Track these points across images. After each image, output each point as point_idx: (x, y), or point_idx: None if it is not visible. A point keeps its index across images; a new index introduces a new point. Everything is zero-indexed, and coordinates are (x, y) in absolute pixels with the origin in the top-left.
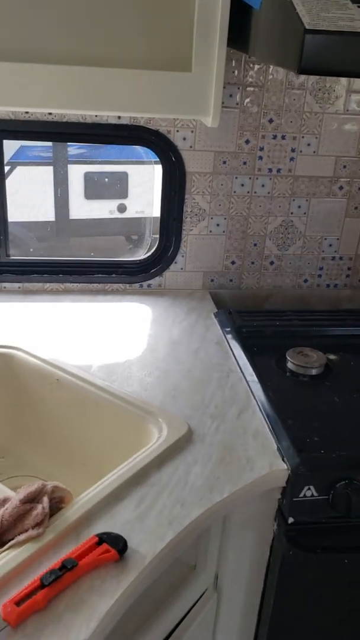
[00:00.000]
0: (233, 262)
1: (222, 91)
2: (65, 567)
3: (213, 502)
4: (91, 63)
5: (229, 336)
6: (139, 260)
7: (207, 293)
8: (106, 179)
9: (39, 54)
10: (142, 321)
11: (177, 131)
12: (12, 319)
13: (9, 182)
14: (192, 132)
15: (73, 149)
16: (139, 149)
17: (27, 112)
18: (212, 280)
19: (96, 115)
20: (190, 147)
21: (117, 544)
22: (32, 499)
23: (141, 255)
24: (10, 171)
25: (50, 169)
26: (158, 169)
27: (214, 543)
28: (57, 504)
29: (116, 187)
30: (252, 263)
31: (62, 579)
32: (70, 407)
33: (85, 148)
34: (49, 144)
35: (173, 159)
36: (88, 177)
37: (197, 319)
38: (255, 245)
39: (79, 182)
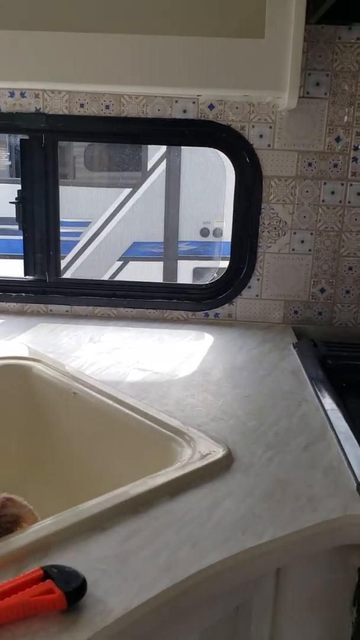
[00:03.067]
0: (322, 290)
1: (301, 61)
2: None
3: (243, 548)
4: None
5: (308, 366)
6: (205, 285)
7: (289, 328)
8: (215, 275)
9: (98, 22)
10: (200, 347)
11: (253, 127)
12: (49, 338)
13: (122, 276)
14: (270, 127)
15: (183, 245)
16: None
17: (82, 106)
18: (295, 312)
19: (159, 109)
20: (268, 145)
21: (67, 583)
22: None
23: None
24: (123, 266)
25: (160, 264)
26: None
27: (259, 628)
28: (9, 525)
29: None
30: (347, 292)
31: None
32: (86, 424)
33: (196, 245)
34: (161, 239)
35: (247, 160)
36: (197, 272)
37: (272, 349)
38: (350, 269)
39: (187, 277)
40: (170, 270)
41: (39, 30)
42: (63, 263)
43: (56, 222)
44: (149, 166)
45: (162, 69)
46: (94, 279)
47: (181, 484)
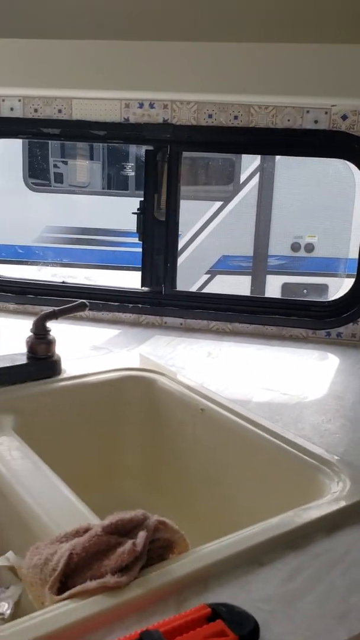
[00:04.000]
0: None
1: None
2: None
3: None
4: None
5: None
6: (327, 302)
7: None
8: (304, 290)
9: (226, 31)
10: (325, 368)
11: None
12: (167, 350)
13: (209, 289)
14: None
15: (273, 259)
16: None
17: (210, 117)
18: None
19: (289, 119)
20: None
21: (240, 627)
22: (122, 532)
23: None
24: (211, 279)
25: (248, 278)
26: None
27: None
28: (162, 550)
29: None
30: None
31: None
32: (215, 442)
33: (286, 260)
34: (250, 253)
35: None
36: (286, 288)
37: None
38: None
39: (276, 293)
40: (258, 284)
41: (170, 40)
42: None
43: (175, 235)
44: (242, 179)
45: (295, 77)
46: (210, 292)
47: (336, 520)
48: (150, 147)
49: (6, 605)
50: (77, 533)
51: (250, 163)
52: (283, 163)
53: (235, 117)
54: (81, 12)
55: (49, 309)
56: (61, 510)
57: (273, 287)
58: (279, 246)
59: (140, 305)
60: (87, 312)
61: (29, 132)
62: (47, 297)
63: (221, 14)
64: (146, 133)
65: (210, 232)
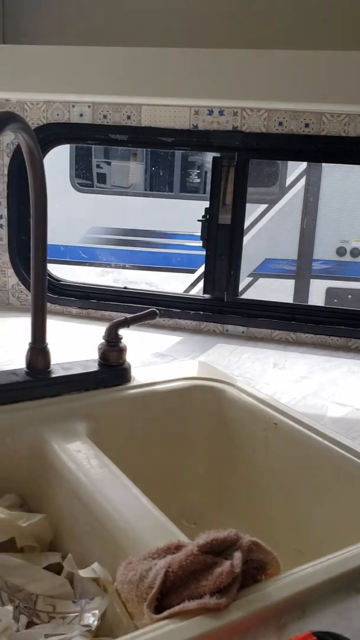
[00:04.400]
0: None
1: None
2: None
3: None
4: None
5: None
6: None
7: None
8: (349, 296)
9: (296, 39)
10: None
11: None
12: (231, 360)
13: (251, 293)
14: None
15: (317, 263)
16: None
17: (280, 124)
18: None
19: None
20: None
21: None
22: (216, 551)
23: None
24: (253, 281)
25: (291, 282)
26: None
27: None
28: (254, 572)
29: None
30: None
31: None
32: (289, 458)
33: (330, 264)
34: (294, 257)
35: None
36: (330, 292)
37: None
38: None
39: (319, 297)
40: (301, 288)
41: (241, 48)
42: (192, 277)
43: (240, 242)
44: (288, 181)
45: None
46: (273, 300)
47: None
48: (217, 154)
49: (92, 618)
50: (169, 550)
51: (297, 166)
52: (330, 166)
53: (307, 125)
54: (151, 20)
55: (114, 314)
56: (145, 523)
57: (317, 292)
58: (324, 250)
59: (201, 313)
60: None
61: (97, 138)
62: (109, 302)
63: (297, 22)
64: (214, 140)
65: (255, 235)
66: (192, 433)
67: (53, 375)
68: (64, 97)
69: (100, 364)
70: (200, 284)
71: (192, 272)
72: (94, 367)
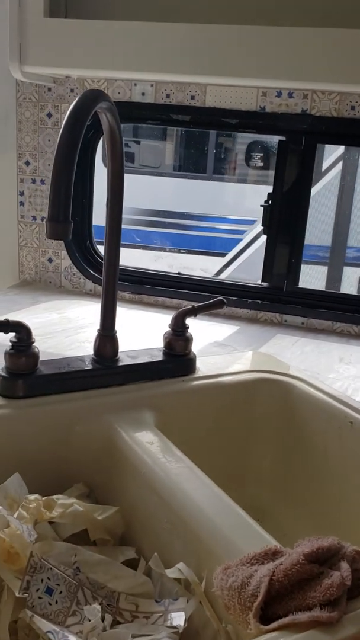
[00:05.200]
0: None
1: None
2: None
3: None
4: None
5: None
6: None
7: None
8: None
9: None
10: None
11: None
12: (294, 352)
13: None
14: None
15: (352, 251)
16: None
17: (352, 109)
18: None
19: None
20: None
21: None
22: (320, 560)
23: None
24: None
25: (324, 269)
26: None
27: None
28: (359, 582)
29: None
30: None
31: None
32: None
33: None
34: (328, 243)
35: None
36: None
37: None
38: None
39: (352, 286)
40: (334, 276)
41: (312, 26)
42: (223, 261)
43: (302, 230)
44: (324, 167)
45: None
46: (335, 291)
47: None
48: (283, 138)
49: (180, 619)
50: (266, 555)
51: (333, 150)
52: None
53: None
54: None
55: (167, 301)
56: (232, 524)
57: (350, 280)
58: (357, 239)
59: (259, 302)
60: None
61: (158, 119)
62: (162, 288)
63: None
64: (282, 123)
65: None
66: (258, 427)
67: (120, 364)
68: (126, 74)
69: (165, 353)
70: (230, 269)
71: (223, 255)
72: (160, 357)
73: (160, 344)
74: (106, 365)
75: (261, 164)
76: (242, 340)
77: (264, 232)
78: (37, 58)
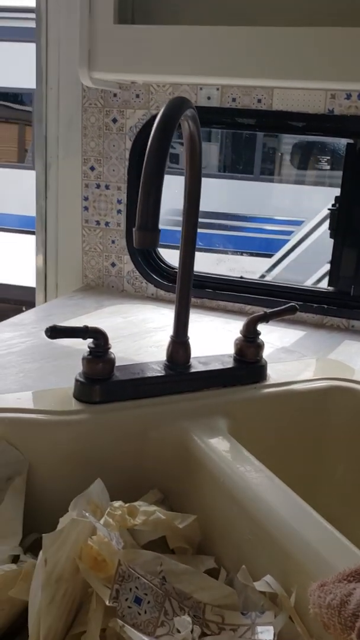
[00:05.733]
0: None
1: None
2: None
3: None
4: None
5: None
6: None
7: None
8: None
9: None
10: None
11: None
12: (359, 358)
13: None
14: None
15: None
16: None
17: None
18: None
19: None
20: None
21: None
22: None
23: None
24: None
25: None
26: None
27: None
28: None
29: None
30: None
31: None
32: None
33: None
34: None
35: None
36: None
37: None
38: None
39: None
40: None
41: None
42: (270, 262)
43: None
44: None
45: None
46: None
47: None
48: (351, 141)
49: (269, 633)
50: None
51: None
52: None
53: None
54: None
55: (229, 305)
56: (320, 538)
57: None
58: None
59: (325, 307)
60: (266, 310)
61: (224, 122)
62: (224, 292)
63: None
64: (350, 125)
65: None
66: (330, 436)
67: (193, 370)
68: (192, 79)
69: (236, 360)
70: (277, 269)
71: (269, 256)
72: (231, 363)
73: (224, 348)
74: (179, 372)
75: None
76: (310, 346)
77: (331, 235)
78: (106, 64)
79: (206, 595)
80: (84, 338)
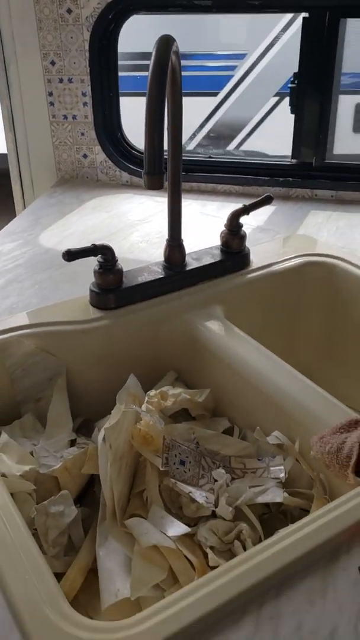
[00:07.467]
0: None
1: None
2: None
3: None
4: None
5: None
6: None
7: None
8: None
9: None
10: None
11: None
12: (330, 229)
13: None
14: None
15: (346, 77)
16: None
17: None
18: None
19: None
20: None
21: None
22: None
23: None
24: (279, 102)
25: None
26: None
27: None
28: None
29: None
30: None
31: None
32: None
33: None
34: None
35: None
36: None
37: None
38: None
39: (348, 115)
40: None
41: None
42: (215, 101)
43: (328, 108)
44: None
45: None
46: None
47: None
48: (307, 15)
49: (281, 472)
50: (351, 424)
51: None
52: None
53: None
54: None
55: (202, 186)
56: (313, 398)
57: (344, 109)
58: (356, 63)
59: (290, 179)
60: (236, 187)
61: (179, 5)
62: (196, 174)
63: None
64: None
65: (283, 47)
66: (306, 305)
67: (188, 268)
68: None
69: (223, 252)
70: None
71: (215, 95)
72: (219, 256)
73: (205, 234)
74: (177, 271)
75: None
76: (281, 222)
77: (292, 111)
78: None
79: (230, 450)
80: (95, 255)
